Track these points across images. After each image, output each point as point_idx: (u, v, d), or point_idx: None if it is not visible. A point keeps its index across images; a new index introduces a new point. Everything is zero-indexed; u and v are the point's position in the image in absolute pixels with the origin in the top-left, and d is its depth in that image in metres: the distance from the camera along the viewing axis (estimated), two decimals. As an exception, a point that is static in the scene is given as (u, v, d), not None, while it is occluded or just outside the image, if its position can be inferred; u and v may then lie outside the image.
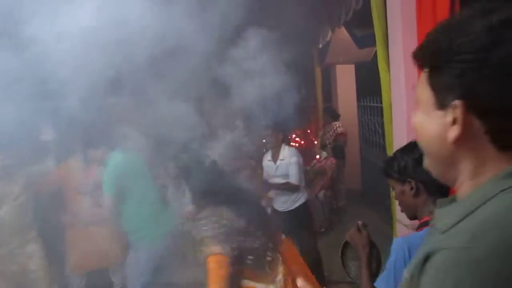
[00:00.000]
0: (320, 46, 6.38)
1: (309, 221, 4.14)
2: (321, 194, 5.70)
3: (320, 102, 7.43)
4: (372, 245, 1.70)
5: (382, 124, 6.14)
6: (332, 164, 5.81)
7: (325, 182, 5.77)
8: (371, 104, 6.42)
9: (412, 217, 1.63)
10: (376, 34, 3.06)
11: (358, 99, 7.25)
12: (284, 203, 3.97)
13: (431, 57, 0.73)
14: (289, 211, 3.95)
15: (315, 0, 4.51)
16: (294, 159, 3.84)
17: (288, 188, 3.89)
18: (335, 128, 6.21)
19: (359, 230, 1.74)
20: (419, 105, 0.77)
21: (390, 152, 3.17)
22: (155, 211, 3.26)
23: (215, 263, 1.81)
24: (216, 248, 1.84)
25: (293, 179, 3.85)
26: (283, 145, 3.91)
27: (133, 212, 3.18)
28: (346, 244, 1.81)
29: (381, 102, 5.95)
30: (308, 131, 7.30)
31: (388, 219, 5.75)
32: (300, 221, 3.95)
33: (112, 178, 3.11)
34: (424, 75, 0.75)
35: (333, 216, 6.00)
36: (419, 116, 0.77)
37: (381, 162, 5.97)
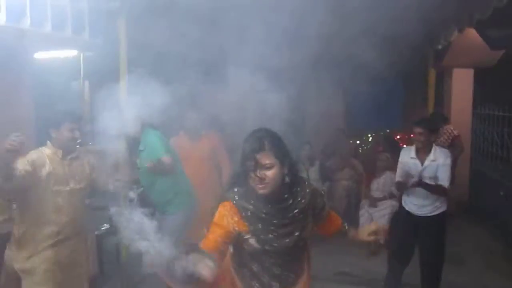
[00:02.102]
0: (440, 47, 6.06)
1: (444, 232, 3.80)
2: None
3: (430, 107, 7.08)
4: None
5: (503, 135, 5.76)
6: None
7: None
8: (490, 112, 5.99)
9: None
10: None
11: (475, 107, 6.79)
12: (424, 207, 3.68)
13: None
14: (426, 217, 3.68)
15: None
16: (448, 161, 3.55)
17: (440, 191, 3.59)
18: (450, 131, 5.85)
19: None
20: None
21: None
22: (186, 183, 3.90)
23: None
24: None
25: (445, 182, 3.55)
26: (434, 146, 3.65)
27: (170, 182, 3.74)
28: None
29: (503, 111, 5.59)
30: (412, 135, 7.00)
31: (498, 235, 5.39)
32: (434, 231, 3.69)
33: (161, 145, 3.67)
34: None
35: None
36: None
37: (496, 174, 5.61)
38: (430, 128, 3.62)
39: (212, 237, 1.80)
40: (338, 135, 7.10)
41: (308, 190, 1.94)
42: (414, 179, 3.64)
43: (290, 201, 1.88)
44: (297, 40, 4.98)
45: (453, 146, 5.66)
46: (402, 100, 8.01)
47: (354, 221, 5.51)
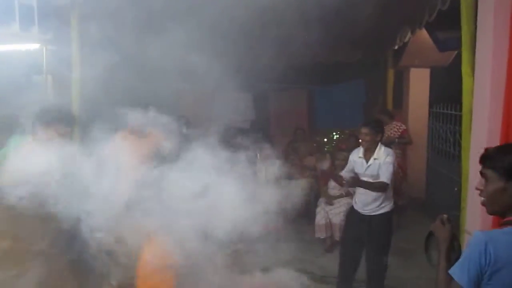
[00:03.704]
0: (396, 47, 6.20)
1: (388, 233, 3.79)
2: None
3: (389, 106, 7.24)
4: (453, 238, 1.80)
5: (455, 133, 5.93)
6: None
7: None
8: (445, 111, 6.17)
9: (494, 212, 1.70)
10: (462, 37, 2.93)
11: (431, 106, 6.98)
12: (367, 206, 3.74)
13: None
14: (371, 215, 3.72)
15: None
16: (389, 159, 3.62)
17: (378, 187, 3.63)
18: (398, 125, 6.22)
19: (442, 223, 1.84)
20: None
21: (466, 162, 3.04)
22: None
23: None
24: None
25: (384, 178, 3.60)
26: (379, 145, 3.72)
27: None
28: (430, 234, 1.95)
29: (455, 110, 5.76)
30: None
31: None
32: (377, 230, 3.70)
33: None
34: None
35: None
36: None
37: (449, 171, 5.78)
38: (375, 129, 3.71)
39: None
40: (299, 134, 7.20)
41: None
42: (350, 176, 3.83)
43: None
44: (263, 42, 5.04)
45: (401, 138, 6.13)
46: (363, 99, 8.14)
47: (311, 219, 5.58)
